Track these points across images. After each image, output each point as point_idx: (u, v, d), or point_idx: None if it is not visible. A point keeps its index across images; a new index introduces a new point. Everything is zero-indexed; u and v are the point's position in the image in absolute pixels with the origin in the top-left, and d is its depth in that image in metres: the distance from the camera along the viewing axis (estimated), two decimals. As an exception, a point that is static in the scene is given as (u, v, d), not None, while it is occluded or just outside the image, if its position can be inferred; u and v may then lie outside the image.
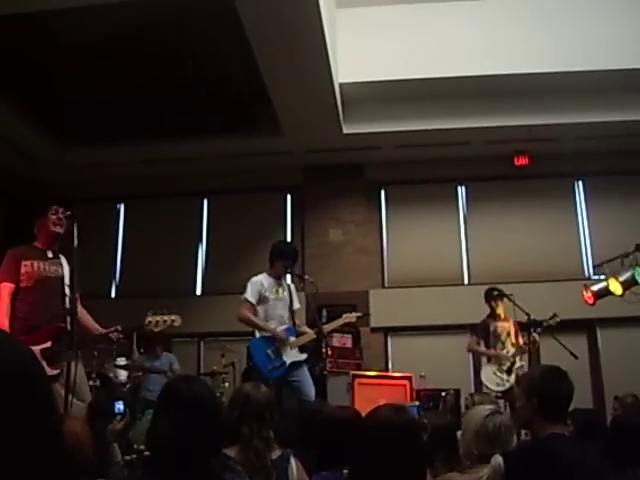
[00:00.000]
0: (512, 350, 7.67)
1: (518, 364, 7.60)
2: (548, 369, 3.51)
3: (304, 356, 6.47)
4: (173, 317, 4.97)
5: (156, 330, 4.93)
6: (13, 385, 1.10)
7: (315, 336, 6.59)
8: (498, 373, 7.63)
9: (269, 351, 6.32)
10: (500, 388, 7.54)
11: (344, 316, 6.89)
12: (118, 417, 3.29)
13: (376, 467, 2.38)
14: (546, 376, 3.26)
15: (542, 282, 9.97)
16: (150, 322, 4.88)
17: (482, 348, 7.86)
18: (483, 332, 7.87)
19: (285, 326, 6.47)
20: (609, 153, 10.19)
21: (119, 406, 3.33)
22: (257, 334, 6.53)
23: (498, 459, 2.96)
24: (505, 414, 3.51)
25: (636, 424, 3.61)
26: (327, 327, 6.82)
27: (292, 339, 6.44)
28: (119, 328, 4.86)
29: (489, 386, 7.61)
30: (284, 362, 6.30)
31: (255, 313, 6.44)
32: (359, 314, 7.35)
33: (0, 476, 1.05)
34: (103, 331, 4.95)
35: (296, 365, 6.38)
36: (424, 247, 10.66)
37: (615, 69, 8.85)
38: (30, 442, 1.10)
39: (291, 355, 6.38)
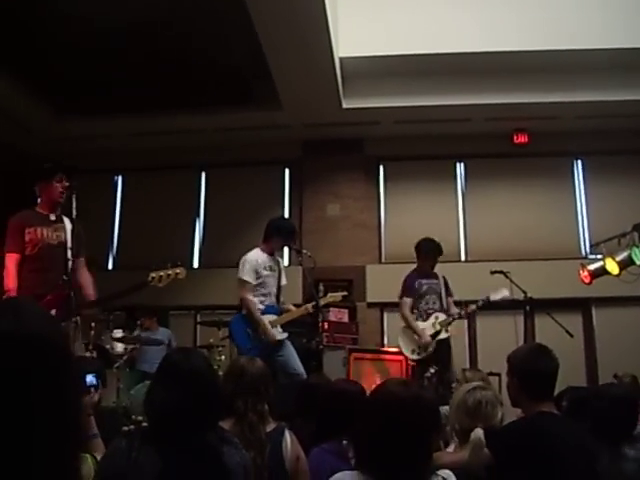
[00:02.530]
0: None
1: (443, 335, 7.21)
2: (530, 347, 3.52)
3: (285, 335, 6.33)
4: (177, 270, 4.82)
5: (160, 285, 4.78)
6: (46, 355, 1.12)
7: (300, 313, 6.50)
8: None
9: (249, 330, 6.25)
10: (415, 356, 7.28)
11: (329, 295, 6.79)
12: (92, 389, 3.28)
13: (383, 442, 2.33)
14: (527, 354, 3.26)
15: (539, 260, 9.98)
16: (154, 278, 4.76)
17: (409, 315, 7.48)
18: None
19: (270, 311, 6.40)
20: (608, 132, 10.14)
21: (91, 379, 3.31)
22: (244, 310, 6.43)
23: (478, 433, 2.98)
24: (489, 389, 3.49)
25: (618, 394, 3.61)
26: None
27: (273, 317, 6.34)
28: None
29: (404, 352, 7.39)
30: (262, 341, 6.18)
31: (253, 291, 6.36)
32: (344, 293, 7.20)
33: (32, 442, 1.08)
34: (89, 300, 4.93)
35: (278, 343, 6.28)
36: (421, 223, 10.61)
37: (617, 48, 8.77)
38: (61, 409, 1.12)
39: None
